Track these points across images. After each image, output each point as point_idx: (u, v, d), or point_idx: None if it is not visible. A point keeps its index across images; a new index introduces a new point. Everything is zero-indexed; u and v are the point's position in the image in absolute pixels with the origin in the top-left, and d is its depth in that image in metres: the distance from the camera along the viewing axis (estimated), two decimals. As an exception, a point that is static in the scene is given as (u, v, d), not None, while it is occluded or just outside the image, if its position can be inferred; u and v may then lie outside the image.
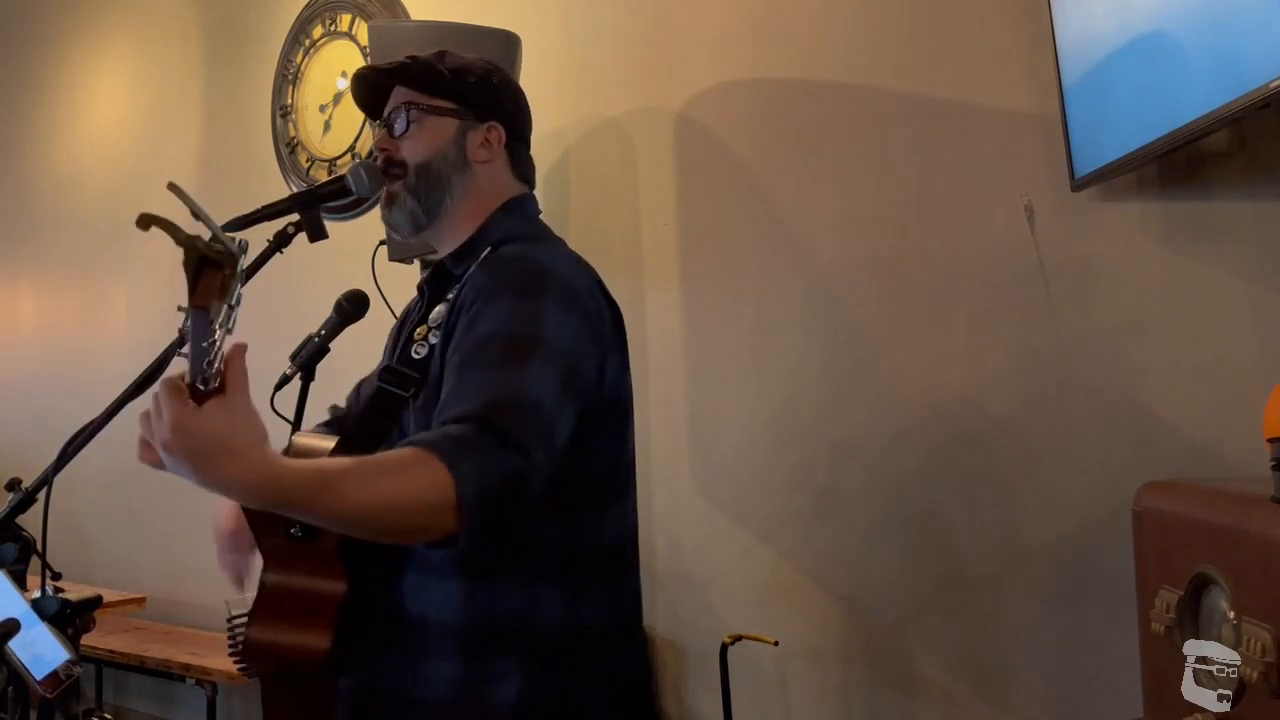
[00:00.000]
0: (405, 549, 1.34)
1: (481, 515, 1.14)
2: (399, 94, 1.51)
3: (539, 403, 1.21)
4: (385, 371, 1.46)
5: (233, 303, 0.96)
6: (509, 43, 2.63)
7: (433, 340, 1.41)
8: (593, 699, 1.36)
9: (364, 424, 1.41)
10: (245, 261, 0.98)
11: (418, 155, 1.47)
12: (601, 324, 1.38)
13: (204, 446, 1.01)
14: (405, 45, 2.58)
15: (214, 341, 0.96)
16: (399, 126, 1.48)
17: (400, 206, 1.48)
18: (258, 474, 1.03)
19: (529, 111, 1.58)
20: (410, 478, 1.13)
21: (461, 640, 1.32)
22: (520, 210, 1.51)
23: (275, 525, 1.33)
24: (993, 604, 2.30)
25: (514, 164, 1.53)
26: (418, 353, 1.44)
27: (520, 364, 1.23)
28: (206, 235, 0.96)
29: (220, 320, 0.94)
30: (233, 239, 0.96)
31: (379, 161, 1.49)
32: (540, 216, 1.57)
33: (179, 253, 0.95)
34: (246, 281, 1.61)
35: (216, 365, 0.99)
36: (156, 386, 1.03)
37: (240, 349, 1.05)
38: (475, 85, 1.49)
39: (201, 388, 1.00)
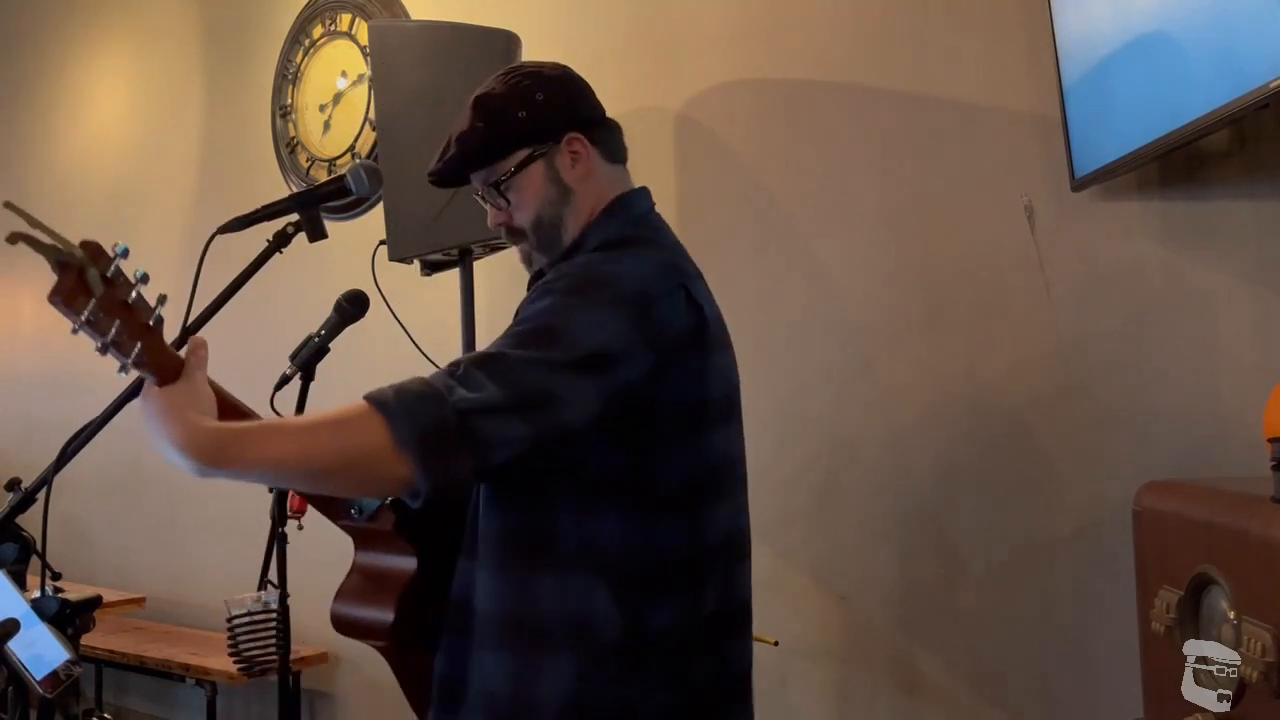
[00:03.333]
0: (464, 535, 1.39)
1: (425, 455, 1.15)
2: (477, 175, 1.46)
3: (523, 363, 1.21)
4: None
5: (127, 299, 1.12)
6: (509, 43, 2.63)
7: None
8: (652, 708, 1.31)
9: None
10: (129, 265, 1.13)
11: (528, 217, 1.44)
12: (665, 329, 1.31)
13: (153, 414, 1.18)
14: (405, 45, 2.58)
15: (85, 328, 1.10)
16: (500, 203, 1.45)
17: (534, 261, 1.48)
18: (189, 428, 1.16)
19: (582, 87, 1.51)
20: (342, 426, 1.18)
21: (507, 633, 1.32)
22: (623, 212, 1.46)
23: (337, 509, 1.47)
24: (993, 604, 2.30)
25: (603, 151, 1.47)
26: None
27: (530, 345, 1.23)
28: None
29: (87, 313, 1.08)
30: (89, 244, 1.10)
31: (502, 236, 1.48)
32: (650, 211, 1.50)
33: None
34: (246, 280, 1.62)
35: (133, 355, 1.15)
36: None
37: (199, 342, 1.25)
38: (529, 118, 1.42)
39: (123, 374, 1.19)
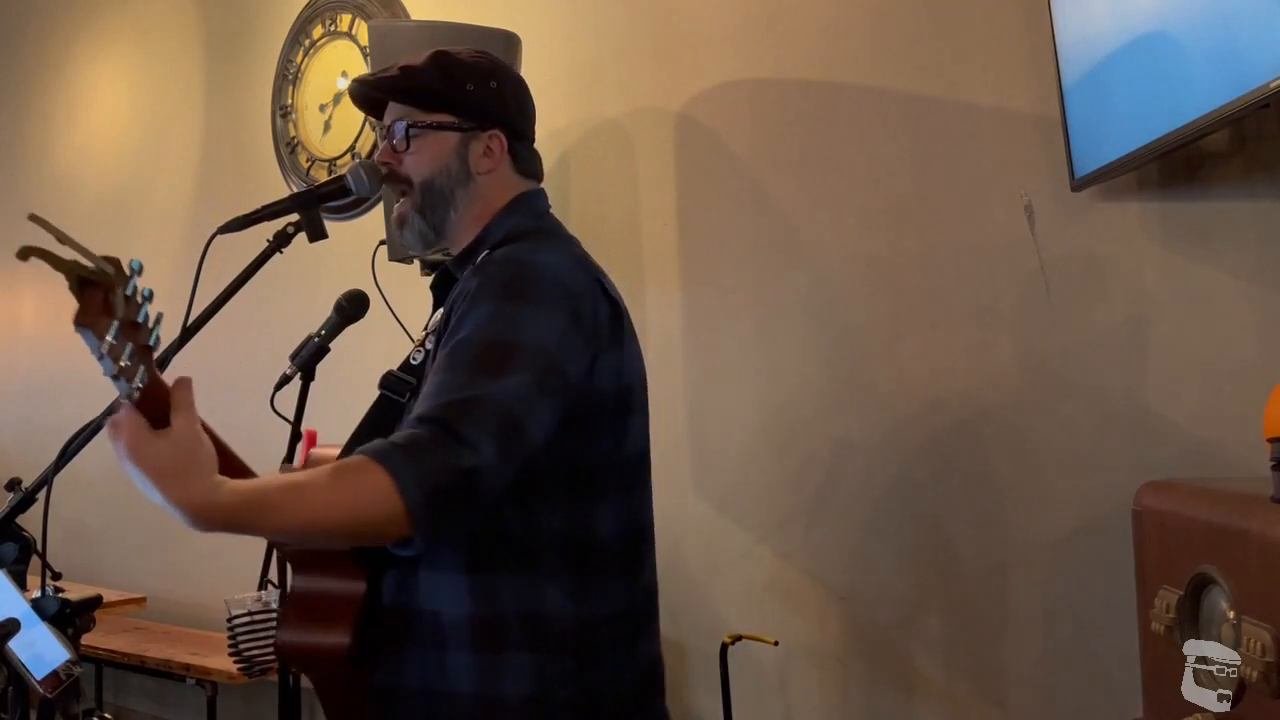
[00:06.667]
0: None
1: (432, 517, 1.17)
2: (395, 109, 1.50)
3: (500, 400, 1.22)
4: (386, 377, 1.48)
5: (137, 319, 1.02)
6: (509, 43, 2.63)
7: (429, 346, 1.43)
8: (611, 690, 1.37)
9: (366, 431, 1.43)
10: (140, 282, 1.03)
11: (421, 173, 1.47)
12: (595, 323, 1.37)
13: (150, 471, 1.08)
14: (405, 45, 2.58)
15: (107, 355, 1.01)
16: (399, 143, 1.47)
17: (410, 228, 1.49)
18: (196, 500, 1.09)
19: (531, 105, 1.56)
20: (352, 488, 1.16)
21: (471, 633, 1.34)
22: (525, 207, 1.50)
23: None
24: (992, 604, 2.30)
25: (517, 164, 1.51)
26: (414, 358, 1.47)
27: (491, 367, 1.25)
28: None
29: (111, 335, 0.99)
30: (111, 260, 0.99)
31: (383, 172, 1.50)
32: (549, 210, 1.55)
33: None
34: (246, 280, 1.62)
35: (137, 380, 1.04)
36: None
37: (187, 382, 1.12)
38: (474, 93, 1.47)
39: (126, 401, 1.07)
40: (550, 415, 1.28)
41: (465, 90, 1.46)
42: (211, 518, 1.10)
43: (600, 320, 1.38)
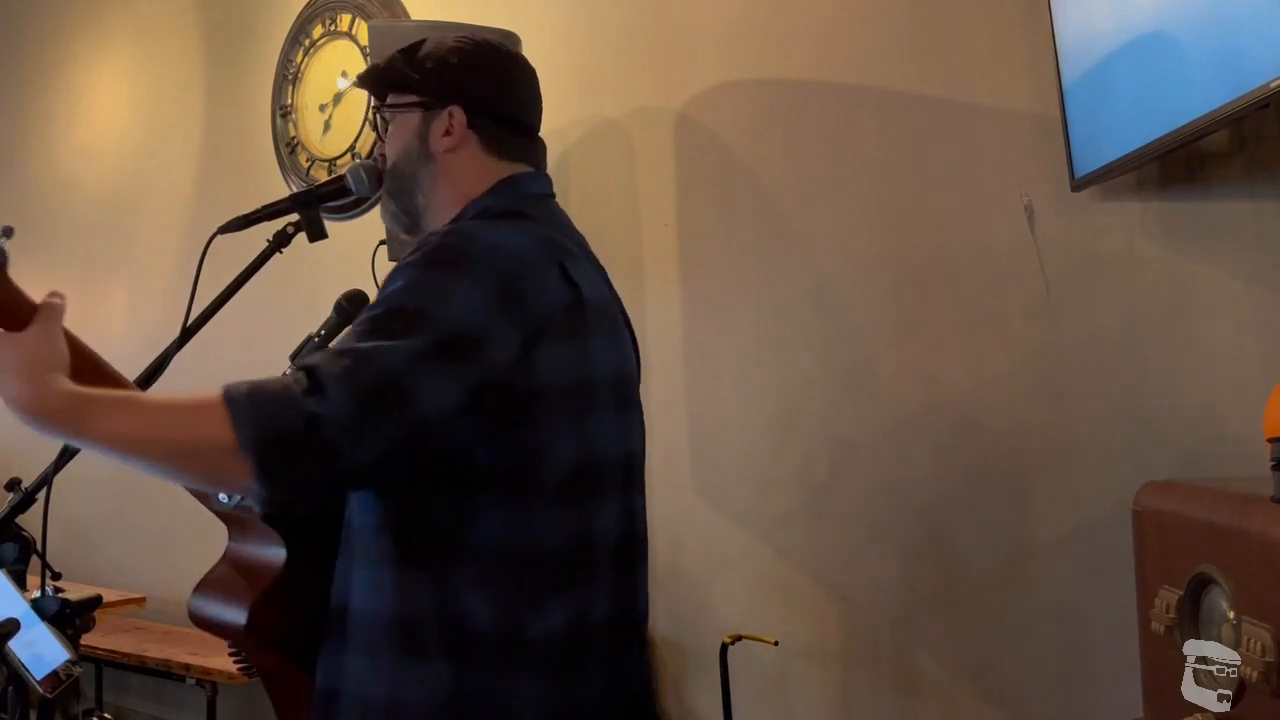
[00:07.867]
0: (341, 535, 1.31)
1: (265, 461, 1.09)
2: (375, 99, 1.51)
3: (380, 359, 1.14)
4: None
5: None
6: (509, 42, 2.63)
7: None
8: (536, 716, 1.25)
9: None
10: None
11: (391, 158, 1.45)
12: (539, 305, 1.25)
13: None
14: (405, 45, 2.58)
15: None
16: (382, 131, 1.48)
17: (386, 210, 1.48)
18: (25, 391, 1.10)
19: (516, 83, 1.47)
20: (187, 412, 1.13)
21: (382, 634, 1.25)
22: (508, 189, 1.41)
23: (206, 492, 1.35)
24: (993, 604, 2.30)
25: (491, 143, 1.42)
26: None
27: (386, 331, 1.17)
28: None
29: None
30: None
31: (380, 168, 1.50)
32: (542, 195, 1.45)
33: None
34: (246, 280, 1.62)
35: None
36: None
37: (56, 306, 1.17)
38: (433, 70, 1.42)
39: None
40: (453, 387, 1.17)
41: (424, 68, 1.43)
42: (38, 410, 1.09)
43: (548, 303, 1.26)
